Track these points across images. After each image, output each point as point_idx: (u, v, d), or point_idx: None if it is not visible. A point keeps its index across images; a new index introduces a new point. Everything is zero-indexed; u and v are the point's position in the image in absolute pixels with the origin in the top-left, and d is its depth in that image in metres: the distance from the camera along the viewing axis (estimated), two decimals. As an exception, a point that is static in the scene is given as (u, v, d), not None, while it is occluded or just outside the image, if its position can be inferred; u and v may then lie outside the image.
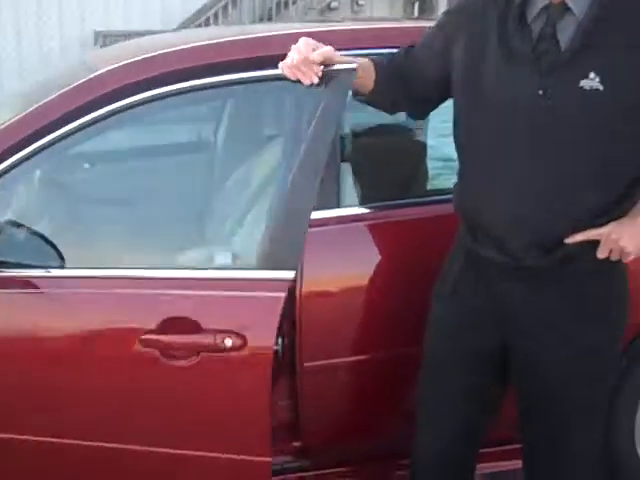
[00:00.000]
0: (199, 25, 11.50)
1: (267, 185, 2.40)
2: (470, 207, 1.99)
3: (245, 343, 1.99)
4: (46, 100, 2.17)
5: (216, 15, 11.58)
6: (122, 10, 11.72)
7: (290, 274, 1.99)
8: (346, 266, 2.33)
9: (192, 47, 2.35)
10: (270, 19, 11.71)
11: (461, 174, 2.05)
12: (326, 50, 1.99)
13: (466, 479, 2.27)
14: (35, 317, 2.06)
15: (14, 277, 2.03)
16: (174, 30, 10.96)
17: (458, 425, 2.16)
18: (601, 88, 1.78)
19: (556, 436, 2.03)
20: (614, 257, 1.88)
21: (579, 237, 1.86)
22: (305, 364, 2.26)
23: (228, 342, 1.99)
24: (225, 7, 11.59)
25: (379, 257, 2.32)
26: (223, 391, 2.05)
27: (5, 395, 2.06)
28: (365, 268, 2.31)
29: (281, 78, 2.02)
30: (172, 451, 2.09)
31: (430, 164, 3.02)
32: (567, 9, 1.81)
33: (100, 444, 2.08)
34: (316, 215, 2.13)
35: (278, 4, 11.93)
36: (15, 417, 2.08)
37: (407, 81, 2.10)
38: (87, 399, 2.07)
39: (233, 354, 1.99)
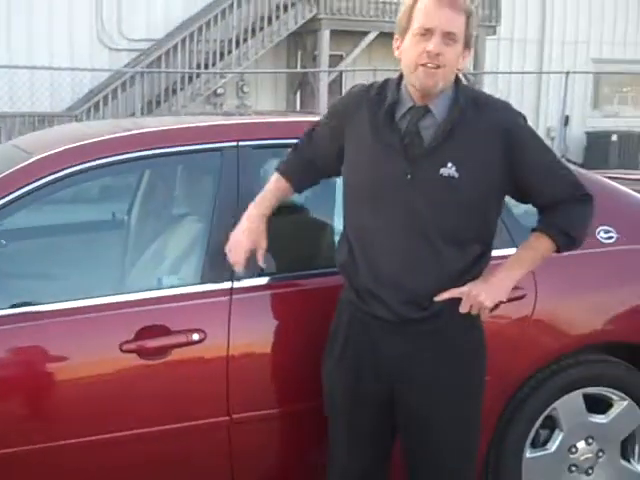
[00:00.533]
0: (89, 108, 11.68)
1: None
2: (352, 270, 2.33)
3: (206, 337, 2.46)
4: None
5: (105, 98, 11.78)
6: (7, 91, 11.77)
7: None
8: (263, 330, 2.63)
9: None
10: (159, 104, 12.02)
11: (344, 239, 2.39)
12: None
13: None
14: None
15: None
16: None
17: (357, 467, 2.46)
18: (456, 175, 2.22)
19: (435, 466, 2.39)
20: (474, 311, 2.30)
21: (446, 295, 2.27)
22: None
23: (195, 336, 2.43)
24: (115, 90, 11.81)
25: (286, 322, 2.64)
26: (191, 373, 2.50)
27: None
28: (275, 332, 2.62)
29: None
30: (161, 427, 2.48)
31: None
32: (428, 111, 2.24)
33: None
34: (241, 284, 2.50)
35: (167, 90, 12.26)
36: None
37: (315, 165, 2.48)
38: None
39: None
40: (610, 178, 3.37)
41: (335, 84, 13.88)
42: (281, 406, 2.60)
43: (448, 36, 2.17)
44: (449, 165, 2.21)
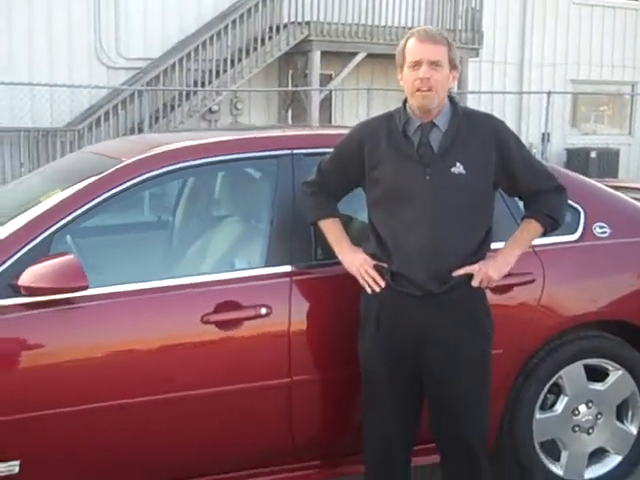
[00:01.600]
0: (90, 123, 12.05)
1: None
2: (384, 257, 2.84)
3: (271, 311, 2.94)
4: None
5: (106, 114, 12.17)
6: (8, 107, 12.08)
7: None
8: (317, 305, 3.10)
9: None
10: (157, 119, 12.42)
11: (371, 234, 2.90)
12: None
13: (405, 466, 3.05)
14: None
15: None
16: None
17: (394, 425, 2.94)
18: (464, 172, 2.80)
19: (456, 414, 2.88)
20: (483, 284, 2.86)
21: (461, 271, 2.82)
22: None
23: (263, 310, 2.91)
24: (115, 107, 12.21)
25: (335, 299, 3.12)
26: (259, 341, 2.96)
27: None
28: (326, 307, 3.11)
29: None
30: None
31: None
32: (434, 125, 2.81)
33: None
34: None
35: (165, 106, 12.67)
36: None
37: (338, 191, 3.00)
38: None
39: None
40: (615, 187, 3.88)
41: (325, 102, 14.37)
42: (334, 370, 3.06)
43: (434, 64, 2.75)
44: (457, 164, 2.79)
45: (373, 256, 2.88)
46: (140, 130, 12.22)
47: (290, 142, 3.28)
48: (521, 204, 3.24)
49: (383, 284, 2.84)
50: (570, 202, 3.32)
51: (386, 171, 2.82)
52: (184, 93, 12.65)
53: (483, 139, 2.81)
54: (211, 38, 12.92)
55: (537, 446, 3.41)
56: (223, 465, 3.06)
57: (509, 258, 2.91)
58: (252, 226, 3.34)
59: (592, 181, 3.82)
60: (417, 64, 2.76)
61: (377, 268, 2.86)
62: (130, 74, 13.24)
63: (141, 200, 3.21)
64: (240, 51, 13.18)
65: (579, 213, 3.46)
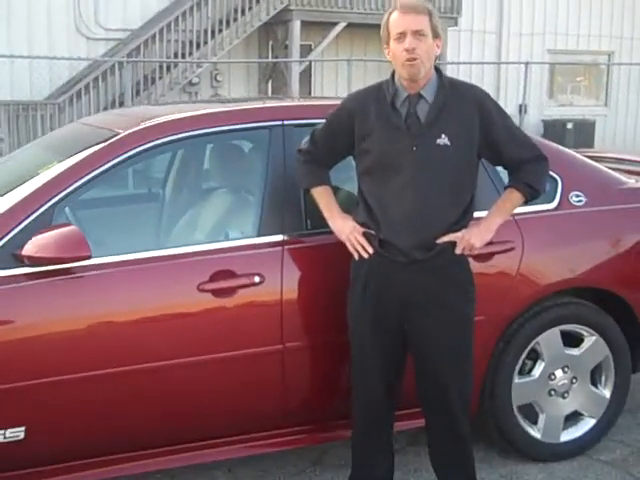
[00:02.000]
0: (71, 96, 12.03)
1: None
2: (373, 225, 2.98)
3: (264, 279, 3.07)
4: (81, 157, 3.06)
5: (87, 87, 12.15)
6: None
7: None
8: (308, 273, 3.24)
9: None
10: (138, 92, 12.42)
11: (361, 203, 3.03)
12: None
13: (389, 425, 3.20)
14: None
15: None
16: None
17: (379, 385, 3.09)
18: (449, 144, 2.93)
19: (440, 375, 3.02)
20: (466, 251, 3.00)
21: (445, 238, 2.96)
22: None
23: (256, 279, 3.03)
24: (95, 79, 12.18)
25: (326, 267, 3.25)
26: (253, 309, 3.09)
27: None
28: (317, 275, 3.25)
29: None
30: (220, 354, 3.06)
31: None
32: (421, 97, 2.93)
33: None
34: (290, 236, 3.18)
35: (145, 78, 12.67)
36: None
37: (329, 160, 3.12)
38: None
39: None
40: (590, 157, 4.02)
41: (305, 73, 14.41)
42: (325, 336, 3.20)
43: (417, 33, 2.85)
44: (443, 136, 2.91)
45: (362, 224, 3.00)
46: (121, 103, 12.24)
47: (281, 113, 3.40)
48: (502, 173, 3.38)
49: (371, 251, 2.97)
50: (548, 171, 3.49)
51: (375, 142, 2.94)
52: (165, 65, 12.64)
53: (467, 110, 2.93)
54: (191, 8, 12.94)
55: (516, 410, 3.56)
56: (218, 430, 3.20)
57: (491, 226, 3.04)
58: (245, 196, 3.46)
59: (569, 150, 3.95)
60: (401, 35, 2.86)
61: (366, 235, 2.99)
62: (110, 45, 13.26)
63: (138, 171, 3.32)
64: (220, 22, 13.18)
65: (556, 182, 3.59)
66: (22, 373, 2.83)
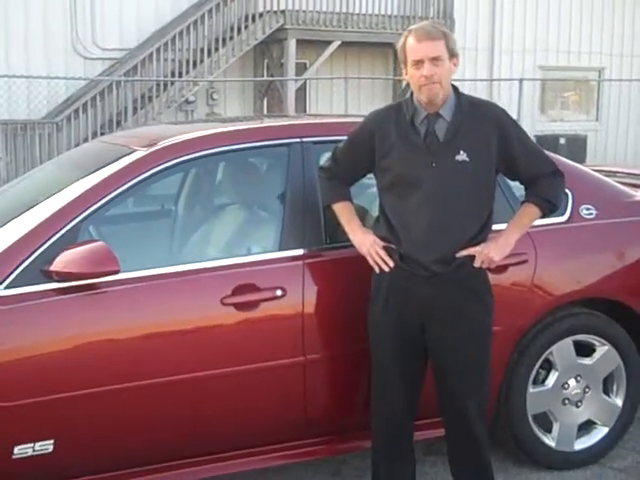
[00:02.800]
0: (69, 115, 12.08)
1: None
2: (393, 239, 3.04)
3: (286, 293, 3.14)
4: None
5: (84, 106, 12.21)
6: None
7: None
8: (329, 286, 3.30)
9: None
10: (135, 110, 12.49)
11: (382, 218, 3.10)
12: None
13: (409, 437, 3.25)
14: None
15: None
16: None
17: (400, 396, 3.14)
18: (467, 160, 3.00)
19: (459, 386, 3.08)
20: (484, 265, 3.06)
21: (465, 252, 3.03)
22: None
23: (279, 292, 3.11)
24: (93, 98, 12.25)
25: (346, 280, 3.31)
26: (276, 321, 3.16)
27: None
28: (337, 288, 3.31)
29: None
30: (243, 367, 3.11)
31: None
32: (440, 116, 3.00)
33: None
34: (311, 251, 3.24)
35: (143, 96, 12.73)
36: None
37: (350, 177, 3.20)
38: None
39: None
40: (597, 171, 4.11)
41: (300, 91, 14.51)
42: (345, 348, 3.25)
43: (435, 60, 2.92)
44: (461, 153, 2.98)
45: (383, 239, 3.07)
46: (118, 122, 12.29)
47: (299, 131, 3.48)
48: (514, 187, 3.45)
49: (392, 264, 3.03)
50: (560, 186, 3.57)
51: (395, 159, 3.01)
52: (161, 84, 12.72)
53: (485, 127, 3.00)
54: (187, 28, 13.01)
55: (531, 419, 3.62)
56: (240, 441, 3.24)
57: (509, 240, 3.11)
58: (266, 212, 3.54)
59: (578, 165, 4.03)
60: (419, 62, 2.93)
61: (386, 249, 3.05)
62: (107, 65, 13.31)
63: (163, 187, 3.39)
64: (217, 40, 13.27)
65: (567, 196, 3.66)
66: (51, 386, 2.88)
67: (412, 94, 3.05)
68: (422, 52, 2.92)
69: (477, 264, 3.04)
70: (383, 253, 3.05)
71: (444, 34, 2.97)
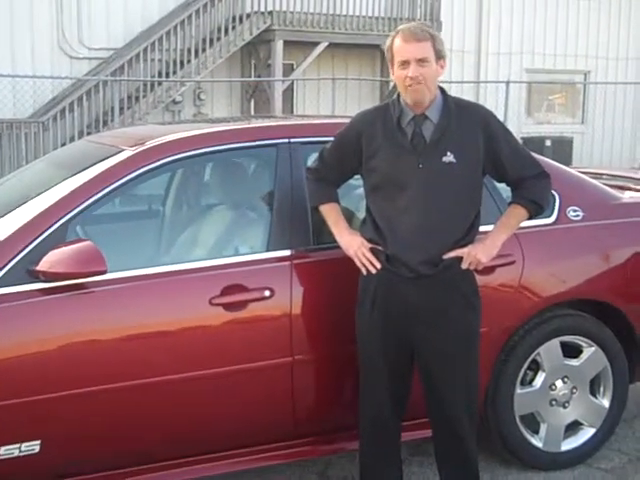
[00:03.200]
0: (55, 114, 12.02)
1: None
2: (380, 241, 3.04)
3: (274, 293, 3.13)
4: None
5: (71, 105, 12.15)
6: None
7: None
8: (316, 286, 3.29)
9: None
10: (122, 109, 12.44)
11: (368, 219, 3.09)
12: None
13: (396, 438, 3.25)
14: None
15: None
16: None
17: (387, 398, 3.14)
18: (454, 161, 3.00)
19: (447, 387, 3.08)
20: (472, 266, 3.06)
21: (452, 254, 3.03)
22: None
23: (267, 293, 3.10)
24: (80, 98, 12.20)
25: (333, 281, 3.30)
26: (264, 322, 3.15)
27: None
28: (325, 288, 3.30)
29: None
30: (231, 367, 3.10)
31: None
32: (426, 118, 3.00)
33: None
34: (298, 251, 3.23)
35: (129, 97, 12.69)
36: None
37: (337, 179, 3.19)
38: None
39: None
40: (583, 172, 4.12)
41: (287, 92, 14.50)
42: (333, 348, 3.25)
43: (421, 61, 2.92)
44: (448, 154, 2.98)
45: (370, 240, 3.07)
46: (105, 122, 12.25)
47: (287, 131, 3.47)
48: (500, 188, 3.46)
49: (379, 266, 3.03)
50: (547, 188, 3.58)
51: (382, 161, 3.00)
52: (148, 84, 12.68)
53: (472, 129, 3.00)
54: (175, 28, 12.99)
55: (518, 419, 3.63)
56: (227, 442, 3.23)
57: (497, 242, 3.11)
58: (254, 212, 3.53)
59: (565, 167, 4.04)
60: (405, 63, 2.93)
61: (373, 251, 3.05)
62: (93, 64, 13.27)
63: (147, 188, 3.37)
64: (204, 41, 13.25)
65: (554, 198, 3.66)
66: (37, 387, 2.86)
67: (399, 95, 3.04)
68: (408, 53, 2.92)
69: (464, 266, 3.04)
70: (370, 255, 3.05)
71: (431, 36, 2.96)
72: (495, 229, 3.15)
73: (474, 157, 3.01)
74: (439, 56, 2.97)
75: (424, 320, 3.04)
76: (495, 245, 3.11)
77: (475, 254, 3.04)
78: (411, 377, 3.18)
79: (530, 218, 3.19)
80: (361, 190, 3.17)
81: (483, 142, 3.00)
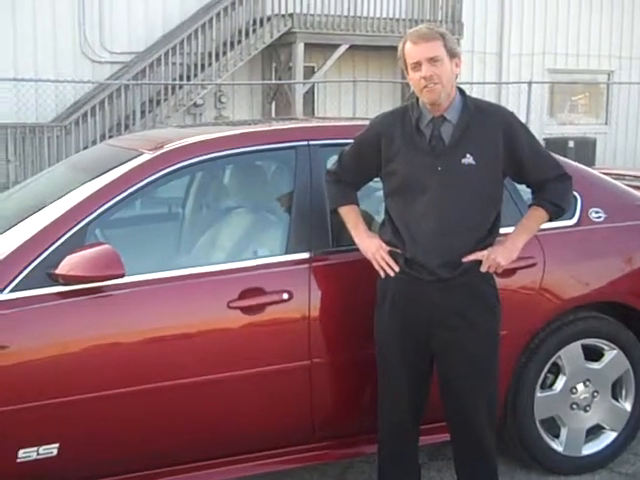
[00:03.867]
0: (77, 118, 12.10)
1: None
2: (399, 244, 3.01)
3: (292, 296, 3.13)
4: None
5: (93, 109, 12.23)
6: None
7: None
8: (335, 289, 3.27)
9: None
10: (143, 113, 12.50)
11: (387, 222, 3.07)
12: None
13: (415, 442, 3.23)
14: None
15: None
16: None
17: (406, 402, 3.13)
18: (474, 163, 2.96)
19: (467, 391, 3.05)
20: (492, 270, 3.03)
21: (471, 257, 2.99)
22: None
23: (285, 296, 3.09)
24: (102, 102, 12.27)
25: (352, 283, 3.28)
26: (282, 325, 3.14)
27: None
28: (343, 291, 3.29)
29: None
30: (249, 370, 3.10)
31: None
32: (445, 119, 2.97)
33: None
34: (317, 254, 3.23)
35: (151, 101, 12.75)
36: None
37: (357, 181, 3.18)
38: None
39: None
40: (607, 174, 4.08)
41: (308, 94, 14.51)
42: (351, 352, 3.24)
43: (432, 60, 2.89)
44: (467, 156, 2.94)
45: (389, 243, 3.05)
46: (127, 125, 12.31)
47: (307, 133, 3.47)
48: (521, 190, 3.43)
49: (397, 269, 3.01)
50: (569, 189, 3.55)
51: (401, 163, 2.98)
52: (170, 87, 12.74)
53: (492, 130, 2.97)
54: (195, 32, 13.04)
55: (538, 423, 3.60)
56: (246, 445, 3.22)
57: (517, 244, 3.07)
58: (273, 215, 3.52)
59: (586, 168, 4.01)
60: (417, 64, 2.91)
61: (391, 254, 3.03)
62: (115, 68, 13.35)
63: (170, 190, 3.38)
64: (224, 44, 13.29)
65: (576, 199, 3.63)
66: (55, 390, 2.86)
67: (418, 97, 3.03)
68: (418, 53, 2.90)
69: (484, 269, 3.01)
70: (388, 258, 3.03)
71: (441, 34, 2.94)
72: (515, 231, 3.12)
73: (494, 159, 2.98)
74: (452, 54, 2.94)
75: (443, 323, 3.01)
76: (515, 248, 3.07)
77: (495, 257, 3.00)
78: (430, 381, 3.16)
79: (551, 220, 3.15)
80: (381, 192, 3.14)
81: (503, 144, 2.97)
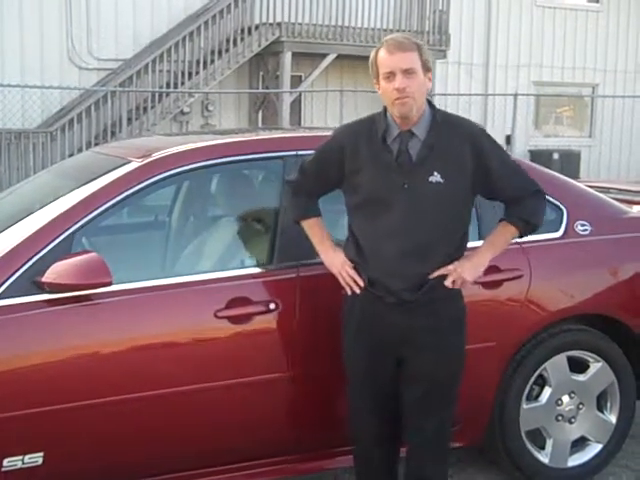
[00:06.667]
0: (63, 125, 12.05)
1: None
2: (362, 263, 2.92)
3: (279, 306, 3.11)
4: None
5: (79, 116, 12.19)
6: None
7: None
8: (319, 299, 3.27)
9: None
10: (130, 120, 12.46)
11: (351, 240, 2.98)
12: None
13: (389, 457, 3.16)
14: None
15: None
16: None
17: (374, 419, 3.05)
18: (442, 181, 2.85)
19: (430, 405, 2.97)
20: (456, 285, 2.93)
21: (437, 273, 2.89)
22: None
23: (272, 306, 3.08)
24: (88, 108, 12.23)
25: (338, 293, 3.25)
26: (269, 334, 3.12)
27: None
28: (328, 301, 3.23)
29: None
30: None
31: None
32: (413, 134, 2.86)
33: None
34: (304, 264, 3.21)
35: (138, 108, 12.72)
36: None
37: (318, 192, 3.07)
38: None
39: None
40: (592, 186, 4.10)
41: (295, 103, 14.52)
42: (335, 363, 3.20)
43: (407, 72, 2.76)
44: (435, 174, 2.84)
45: (352, 261, 2.96)
46: (113, 132, 12.27)
47: (295, 143, 3.46)
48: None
49: (363, 285, 2.92)
50: (553, 201, 3.58)
51: (365, 178, 2.87)
52: (157, 95, 12.71)
53: (461, 147, 2.85)
54: (183, 39, 13.00)
55: (524, 435, 3.60)
56: (228, 456, 3.21)
57: (483, 261, 2.98)
58: (260, 225, 3.51)
59: (573, 181, 4.02)
60: (390, 75, 2.78)
61: (357, 269, 2.95)
62: (102, 75, 13.30)
63: (157, 199, 3.37)
64: (212, 52, 13.27)
65: (562, 212, 3.65)
66: (40, 399, 2.85)
67: (385, 109, 2.90)
68: (393, 63, 2.77)
69: (448, 283, 2.89)
70: (354, 273, 2.93)
71: (417, 46, 2.81)
72: (482, 247, 3.03)
73: (463, 176, 2.86)
74: (426, 68, 2.82)
75: (410, 343, 2.93)
76: (481, 264, 2.97)
77: (461, 272, 2.90)
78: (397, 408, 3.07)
79: (521, 236, 3.06)
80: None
81: (472, 160, 2.85)
